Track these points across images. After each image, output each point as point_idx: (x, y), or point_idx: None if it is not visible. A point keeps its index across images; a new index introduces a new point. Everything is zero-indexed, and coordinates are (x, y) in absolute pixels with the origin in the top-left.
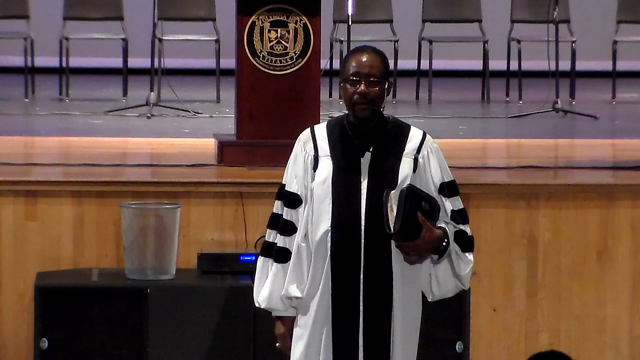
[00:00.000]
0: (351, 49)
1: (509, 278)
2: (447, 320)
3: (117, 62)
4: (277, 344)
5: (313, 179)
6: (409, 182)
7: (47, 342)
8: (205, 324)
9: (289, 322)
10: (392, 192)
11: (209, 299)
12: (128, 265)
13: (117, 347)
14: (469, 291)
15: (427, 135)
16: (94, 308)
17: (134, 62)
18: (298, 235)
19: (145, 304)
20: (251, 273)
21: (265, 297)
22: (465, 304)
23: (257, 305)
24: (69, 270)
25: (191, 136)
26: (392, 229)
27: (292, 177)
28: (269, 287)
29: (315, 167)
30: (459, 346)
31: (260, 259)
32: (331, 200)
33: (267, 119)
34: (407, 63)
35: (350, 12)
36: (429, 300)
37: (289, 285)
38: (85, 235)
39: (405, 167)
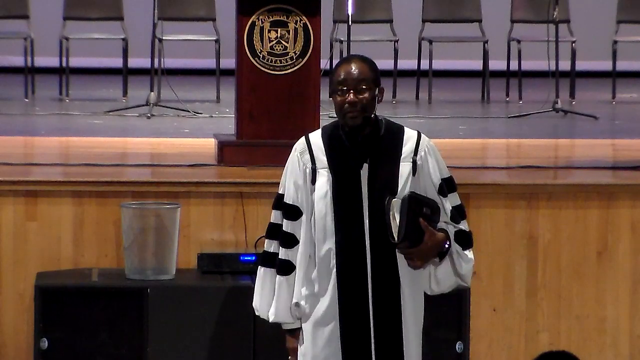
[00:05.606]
0: (351, 49)
1: (509, 278)
2: (447, 320)
3: (117, 62)
4: (290, 358)
5: (312, 192)
6: (409, 187)
7: (47, 342)
8: (205, 324)
9: (300, 336)
10: (393, 200)
11: (209, 299)
12: (128, 265)
13: (117, 347)
14: (468, 291)
15: (422, 135)
16: (94, 308)
17: (134, 62)
18: (301, 247)
19: (145, 304)
20: (251, 273)
21: (273, 312)
22: (465, 304)
23: (265, 318)
24: (69, 270)
25: (191, 136)
26: (396, 239)
27: (290, 188)
28: (275, 301)
29: (313, 181)
30: (459, 346)
31: (261, 270)
32: (333, 216)
33: (267, 119)
34: (407, 63)
35: (350, 12)
36: (428, 294)
37: (299, 288)
38: (85, 235)
39: (404, 172)
